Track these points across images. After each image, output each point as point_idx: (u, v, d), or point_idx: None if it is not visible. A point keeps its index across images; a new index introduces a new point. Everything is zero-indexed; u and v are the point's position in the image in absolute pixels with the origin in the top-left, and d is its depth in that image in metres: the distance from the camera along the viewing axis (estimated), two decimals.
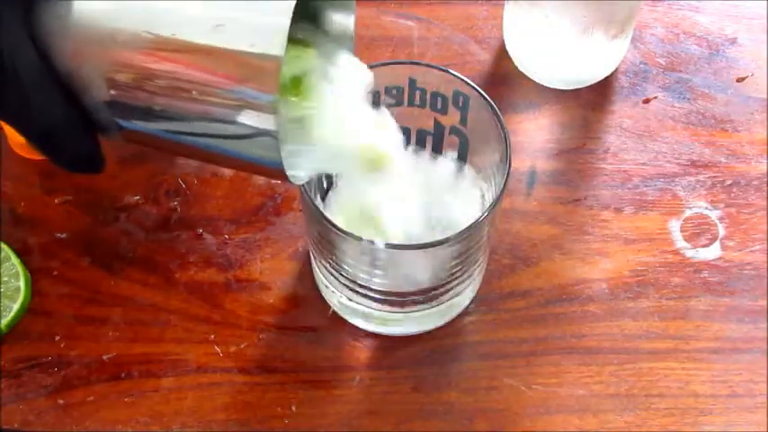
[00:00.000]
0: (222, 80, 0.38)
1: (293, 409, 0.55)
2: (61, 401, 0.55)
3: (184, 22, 0.38)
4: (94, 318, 0.58)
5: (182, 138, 0.40)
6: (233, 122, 0.38)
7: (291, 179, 0.41)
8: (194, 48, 0.38)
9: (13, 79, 0.37)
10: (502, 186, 0.48)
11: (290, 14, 0.37)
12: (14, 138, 0.62)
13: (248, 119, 0.38)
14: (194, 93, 0.38)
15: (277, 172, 0.40)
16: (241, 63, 0.37)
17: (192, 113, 0.39)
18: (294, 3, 0.37)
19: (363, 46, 0.46)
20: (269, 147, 0.38)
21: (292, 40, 0.43)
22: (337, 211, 0.54)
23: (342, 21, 0.45)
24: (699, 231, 0.61)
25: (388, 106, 0.53)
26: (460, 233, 0.47)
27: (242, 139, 0.39)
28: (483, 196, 0.55)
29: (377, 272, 0.51)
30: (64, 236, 0.60)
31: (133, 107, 0.39)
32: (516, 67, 0.67)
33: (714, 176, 0.63)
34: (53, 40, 0.38)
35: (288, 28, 0.37)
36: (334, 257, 0.51)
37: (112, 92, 0.39)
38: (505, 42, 0.67)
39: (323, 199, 0.55)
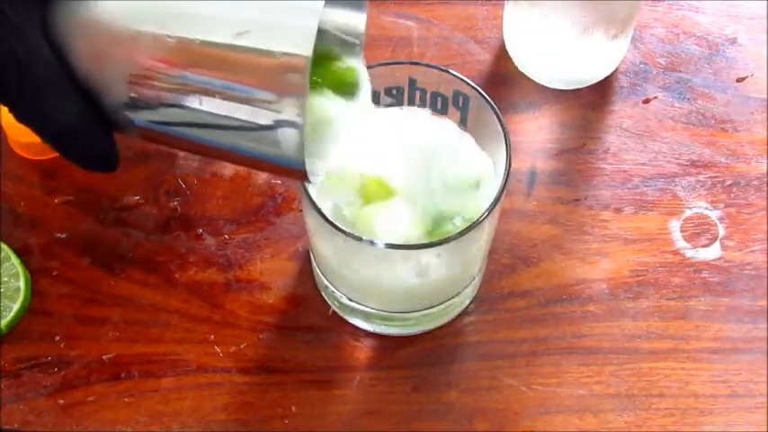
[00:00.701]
0: (249, 83, 0.37)
1: (293, 409, 0.55)
2: (61, 401, 0.55)
3: (209, 25, 0.37)
4: (94, 318, 0.58)
5: (202, 137, 0.40)
6: (258, 124, 0.38)
7: (310, 178, 0.41)
8: (219, 51, 0.37)
9: (27, 79, 0.37)
10: (502, 186, 0.48)
11: (318, 16, 0.37)
12: (14, 138, 0.62)
13: (274, 120, 0.38)
14: (219, 96, 0.38)
15: (296, 171, 0.40)
16: (268, 66, 0.37)
17: (215, 115, 0.38)
18: (322, 3, 0.37)
19: (363, 46, 0.46)
20: (292, 147, 0.38)
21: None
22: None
23: (352, 20, 0.45)
24: (699, 231, 0.61)
25: (388, 106, 0.53)
26: (460, 233, 0.47)
27: (265, 140, 0.38)
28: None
29: (376, 270, 0.51)
30: (64, 236, 0.60)
31: (153, 108, 0.39)
32: (516, 67, 0.67)
33: (714, 176, 0.63)
34: (70, 40, 0.38)
35: (316, 30, 0.36)
36: (334, 256, 0.51)
37: (133, 94, 0.39)
38: (505, 42, 0.67)
39: None
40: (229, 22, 0.37)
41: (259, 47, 0.37)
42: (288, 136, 0.38)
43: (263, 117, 0.38)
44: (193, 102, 0.38)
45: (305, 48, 0.36)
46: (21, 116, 0.38)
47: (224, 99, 0.38)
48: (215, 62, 0.37)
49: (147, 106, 0.39)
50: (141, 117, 0.40)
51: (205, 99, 0.38)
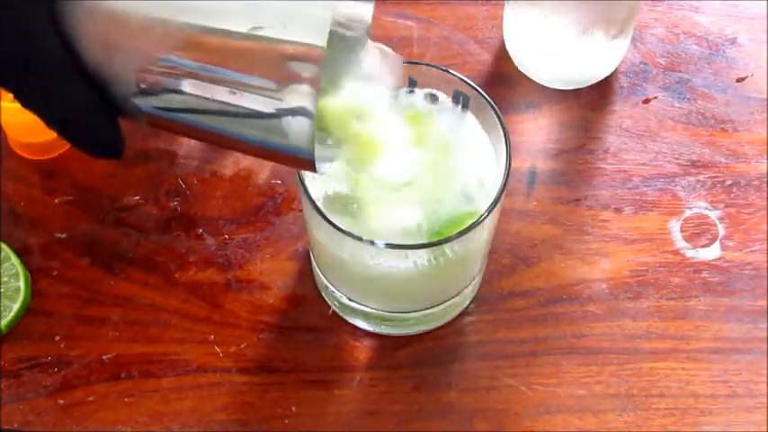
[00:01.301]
0: (262, 73, 0.37)
1: (293, 409, 0.55)
2: (61, 401, 0.55)
3: (222, 15, 0.37)
4: (94, 318, 0.58)
5: (212, 126, 0.40)
6: (270, 114, 0.38)
7: (318, 169, 0.41)
8: (232, 41, 0.37)
9: (34, 68, 0.37)
10: (502, 186, 0.48)
11: (333, 7, 0.37)
12: (14, 138, 0.62)
13: (286, 110, 0.37)
14: (231, 85, 0.38)
15: (305, 161, 0.40)
16: (282, 56, 0.37)
17: (227, 104, 0.38)
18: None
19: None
20: (304, 138, 0.38)
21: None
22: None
23: (359, 12, 0.45)
24: (699, 231, 0.61)
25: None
26: (460, 233, 0.47)
27: (277, 129, 0.38)
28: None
29: (375, 269, 0.51)
30: (64, 236, 0.60)
31: (163, 97, 0.39)
32: (516, 67, 0.67)
33: (714, 176, 0.63)
34: (79, 29, 0.38)
35: (330, 20, 0.36)
36: (333, 255, 0.51)
37: (142, 84, 0.39)
38: (505, 42, 0.67)
39: None
40: (243, 12, 0.37)
41: (273, 36, 0.37)
42: (299, 126, 0.38)
43: (276, 107, 0.38)
44: (204, 91, 0.38)
45: (320, 38, 0.36)
46: (27, 104, 0.39)
47: (237, 88, 0.38)
48: (228, 52, 0.37)
49: (157, 95, 0.39)
50: (150, 105, 0.39)
51: (217, 89, 0.38)
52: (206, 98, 0.38)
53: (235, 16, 0.37)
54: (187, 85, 0.38)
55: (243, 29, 0.37)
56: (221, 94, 0.38)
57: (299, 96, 0.37)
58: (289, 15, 0.37)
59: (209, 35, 0.37)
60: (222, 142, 0.42)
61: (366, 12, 0.45)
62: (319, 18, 0.37)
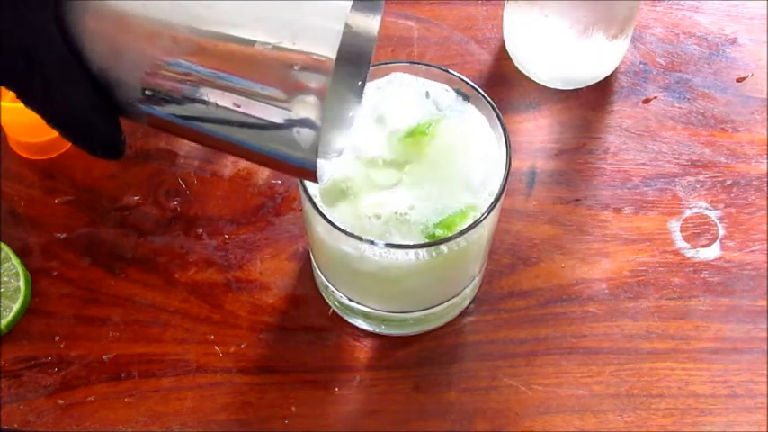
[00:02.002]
0: (270, 83, 0.37)
1: (293, 409, 0.55)
2: (61, 401, 0.55)
3: (230, 23, 0.37)
4: (94, 318, 0.58)
5: (215, 132, 0.40)
6: (276, 123, 0.38)
7: (320, 179, 0.41)
8: (240, 49, 0.37)
9: (37, 68, 0.37)
10: (502, 186, 0.48)
11: (344, 18, 0.37)
12: (14, 138, 0.62)
13: (292, 120, 0.37)
14: (237, 93, 0.38)
15: (306, 171, 0.40)
16: (291, 66, 0.37)
17: (233, 112, 0.38)
18: (349, 5, 0.37)
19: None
20: (308, 148, 0.38)
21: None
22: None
23: (365, 22, 0.45)
24: (699, 231, 0.61)
25: None
26: (460, 233, 0.47)
27: (281, 139, 0.38)
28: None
29: (376, 266, 0.51)
30: (64, 236, 0.60)
31: (168, 103, 0.39)
32: (516, 67, 0.67)
33: (714, 176, 0.63)
34: (86, 32, 0.38)
35: (341, 32, 0.36)
36: (333, 256, 0.51)
37: (147, 90, 0.39)
38: (505, 42, 0.67)
39: None
40: (252, 21, 0.37)
41: (283, 46, 0.37)
42: (304, 137, 0.38)
43: (282, 116, 0.37)
44: (210, 98, 0.38)
45: (329, 49, 0.36)
46: (29, 103, 0.39)
47: (243, 96, 0.38)
48: (236, 60, 0.37)
49: (161, 100, 0.39)
50: (154, 109, 0.39)
51: (223, 96, 0.38)
52: (211, 105, 0.38)
53: (244, 24, 0.37)
54: (192, 92, 0.38)
55: (252, 37, 0.37)
56: (227, 102, 0.38)
57: (305, 107, 0.37)
58: (299, 26, 0.37)
59: (217, 42, 0.37)
60: (224, 148, 0.42)
61: (373, 26, 0.45)
62: (330, 30, 0.36)
